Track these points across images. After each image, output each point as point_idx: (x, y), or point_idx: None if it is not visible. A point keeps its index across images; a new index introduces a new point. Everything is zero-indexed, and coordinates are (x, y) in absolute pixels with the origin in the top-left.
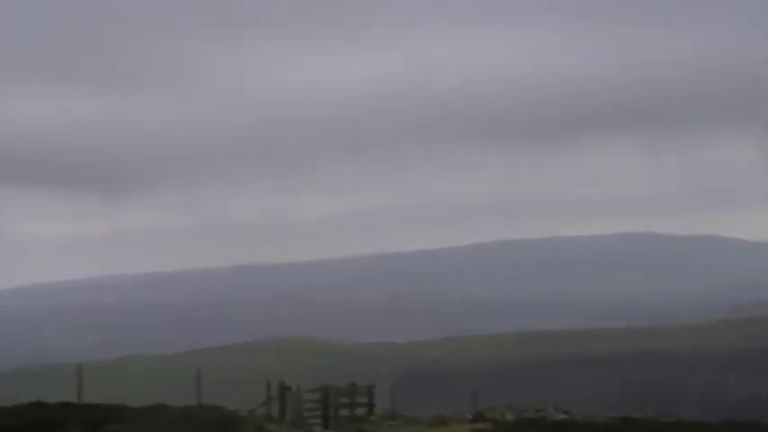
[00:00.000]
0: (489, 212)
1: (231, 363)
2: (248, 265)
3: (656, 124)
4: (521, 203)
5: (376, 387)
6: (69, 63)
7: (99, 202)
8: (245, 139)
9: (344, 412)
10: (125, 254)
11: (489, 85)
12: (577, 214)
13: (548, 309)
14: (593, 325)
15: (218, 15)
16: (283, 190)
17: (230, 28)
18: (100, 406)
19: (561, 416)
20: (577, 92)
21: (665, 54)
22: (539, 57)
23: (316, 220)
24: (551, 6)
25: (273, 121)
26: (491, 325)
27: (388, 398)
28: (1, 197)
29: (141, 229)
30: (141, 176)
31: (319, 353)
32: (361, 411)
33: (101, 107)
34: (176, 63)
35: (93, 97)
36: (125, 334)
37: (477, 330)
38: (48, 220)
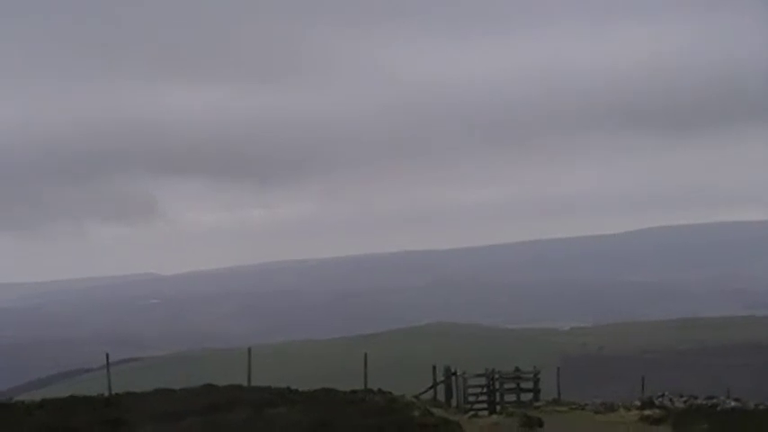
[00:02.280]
0: (650, 199)
1: (394, 348)
2: (407, 251)
3: None
4: (681, 190)
5: (540, 373)
6: (224, 58)
7: (253, 191)
8: (393, 128)
9: (510, 398)
10: (281, 241)
11: (632, 75)
12: (741, 200)
13: (712, 295)
14: (760, 312)
15: (367, 7)
16: (432, 178)
17: (378, 20)
18: (268, 389)
19: (733, 404)
20: (732, 78)
21: None
22: (685, 47)
23: (470, 208)
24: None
25: (421, 110)
26: (654, 311)
27: (552, 384)
28: (163, 187)
29: (294, 216)
30: (293, 166)
31: (481, 338)
32: (526, 397)
33: (254, 99)
34: (326, 55)
35: (246, 90)
36: (285, 320)
37: (641, 317)
38: (206, 208)
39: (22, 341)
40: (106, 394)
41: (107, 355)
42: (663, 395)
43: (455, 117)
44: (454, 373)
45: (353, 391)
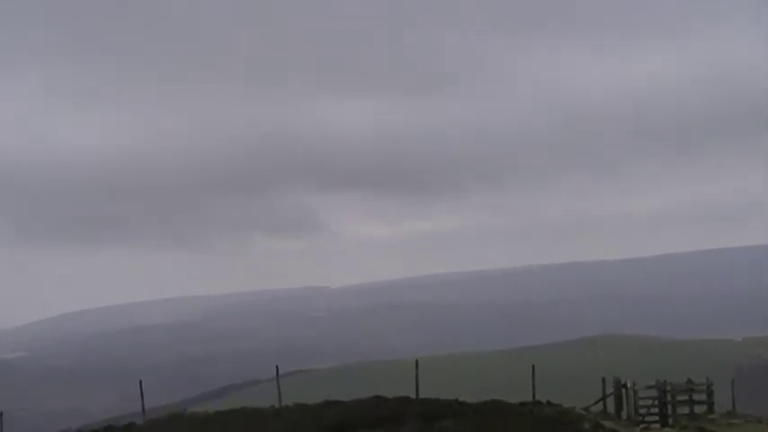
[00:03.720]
0: None
1: (562, 360)
2: (575, 262)
3: None
4: None
5: (714, 384)
6: (386, 72)
7: (416, 203)
8: (559, 138)
9: (683, 410)
10: (446, 253)
11: None
12: None
13: None
14: None
15: (535, 20)
16: (600, 188)
17: (544, 31)
18: (436, 401)
19: None
20: None
21: None
22: None
23: (639, 217)
24: None
25: (588, 119)
26: None
27: (726, 396)
28: (329, 201)
29: (459, 228)
30: (456, 178)
31: (652, 349)
32: (700, 409)
33: (417, 113)
34: (490, 67)
35: (409, 104)
36: (452, 332)
37: None
38: (370, 222)
39: (195, 354)
40: (276, 406)
41: (276, 368)
42: None
43: (622, 126)
44: (624, 385)
45: (522, 404)
